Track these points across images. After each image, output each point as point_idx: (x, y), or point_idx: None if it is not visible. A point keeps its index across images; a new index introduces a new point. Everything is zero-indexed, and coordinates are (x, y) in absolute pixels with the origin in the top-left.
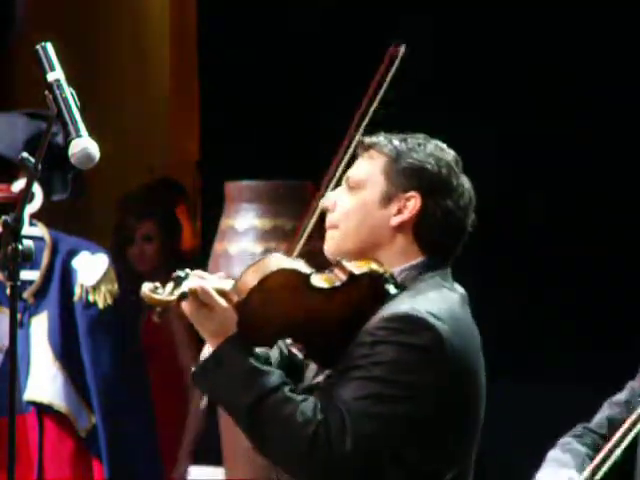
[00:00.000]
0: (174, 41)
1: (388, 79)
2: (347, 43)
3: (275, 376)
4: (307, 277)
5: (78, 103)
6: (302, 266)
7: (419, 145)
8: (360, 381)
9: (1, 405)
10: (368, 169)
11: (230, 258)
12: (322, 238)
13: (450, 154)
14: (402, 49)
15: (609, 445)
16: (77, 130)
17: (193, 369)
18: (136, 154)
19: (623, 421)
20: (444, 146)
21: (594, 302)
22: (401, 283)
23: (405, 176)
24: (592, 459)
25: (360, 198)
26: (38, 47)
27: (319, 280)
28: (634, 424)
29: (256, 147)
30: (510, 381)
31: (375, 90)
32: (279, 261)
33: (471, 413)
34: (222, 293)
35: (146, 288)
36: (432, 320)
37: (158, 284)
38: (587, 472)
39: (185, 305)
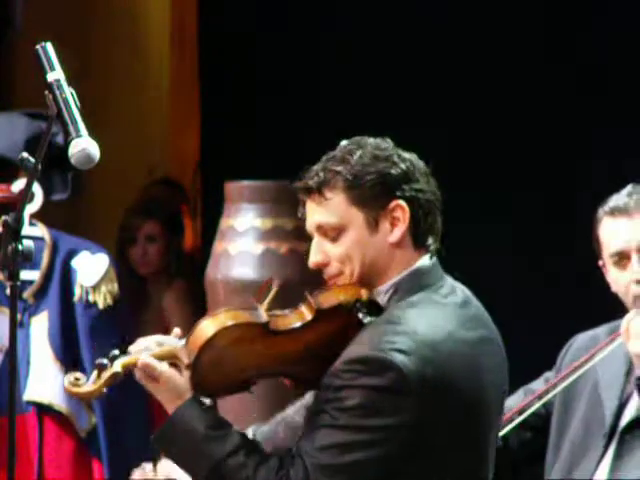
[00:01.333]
0: (174, 41)
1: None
2: (352, 42)
3: (230, 441)
4: (264, 325)
5: (78, 103)
6: (258, 315)
7: (361, 157)
8: (326, 429)
9: (1, 405)
10: (335, 210)
11: (230, 258)
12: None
13: (386, 142)
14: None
15: (507, 416)
16: (77, 130)
17: (152, 436)
18: (136, 154)
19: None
20: (376, 140)
21: None
22: (389, 299)
23: (375, 194)
24: None
25: (349, 240)
26: (38, 47)
27: (281, 323)
28: (535, 402)
29: (256, 147)
30: None
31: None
32: (231, 316)
33: (469, 435)
34: (171, 356)
35: (66, 381)
36: (396, 358)
37: (79, 374)
38: None
39: (136, 376)
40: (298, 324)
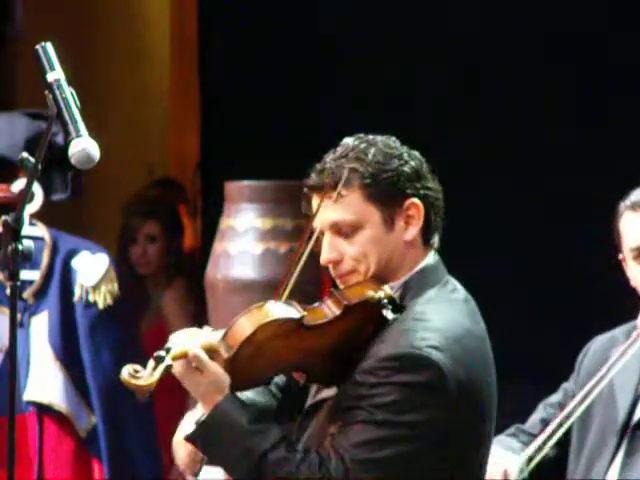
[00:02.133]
0: (174, 41)
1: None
2: (348, 43)
3: (271, 434)
4: (299, 321)
5: (78, 103)
6: (293, 311)
7: (375, 154)
8: (361, 425)
9: (1, 405)
10: (352, 208)
11: (230, 258)
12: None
13: (394, 139)
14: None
15: (541, 437)
16: (77, 130)
17: (188, 433)
18: (136, 154)
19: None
20: (382, 137)
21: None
22: (401, 298)
23: (390, 192)
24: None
25: (366, 237)
26: (38, 47)
27: (312, 318)
28: (564, 421)
29: (256, 147)
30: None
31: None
32: (269, 311)
33: (482, 432)
34: (210, 349)
35: (125, 373)
36: (434, 355)
37: (138, 366)
38: (524, 455)
39: (175, 368)
40: (327, 319)
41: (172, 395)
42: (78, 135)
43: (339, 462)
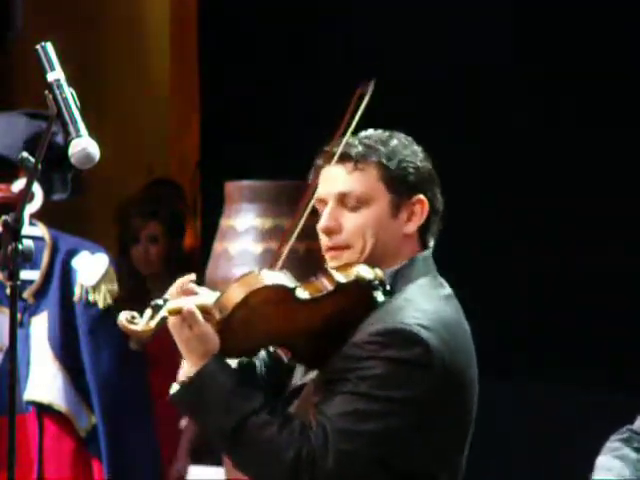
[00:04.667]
0: (174, 40)
1: (357, 116)
2: (346, 46)
3: (256, 398)
4: (292, 291)
5: (78, 103)
6: (287, 280)
7: (397, 144)
8: (346, 396)
9: (1, 405)
10: (365, 182)
11: (230, 258)
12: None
13: (411, 139)
14: (371, 86)
15: None
16: (77, 130)
17: (172, 390)
18: (136, 154)
19: None
20: (403, 135)
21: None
22: (391, 285)
23: (404, 181)
24: None
25: (370, 214)
26: (38, 47)
27: (304, 291)
28: None
29: (256, 147)
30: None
31: (344, 130)
32: (264, 277)
33: (464, 417)
34: (204, 309)
35: (123, 318)
36: (422, 333)
37: (135, 313)
38: None
39: (170, 322)
40: (320, 294)
41: None
42: (78, 135)
43: (320, 430)
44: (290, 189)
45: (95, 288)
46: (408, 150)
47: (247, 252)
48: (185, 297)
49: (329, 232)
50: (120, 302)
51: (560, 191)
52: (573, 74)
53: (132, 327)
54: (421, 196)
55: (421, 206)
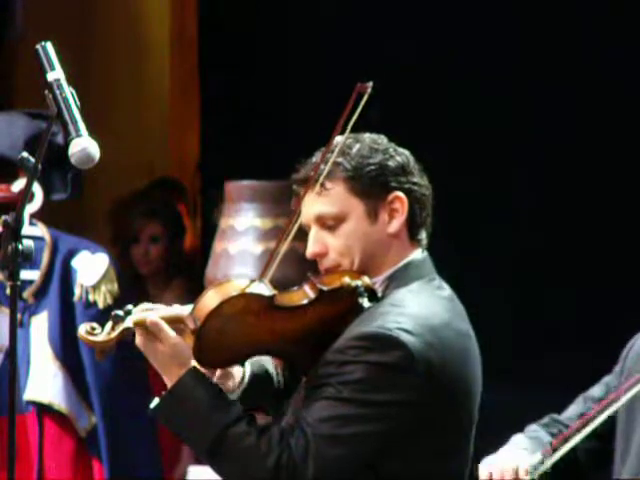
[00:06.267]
0: (174, 41)
1: (354, 116)
2: (346, 46)
3: (233, 410)
4: (270, 299)
5: (78, 103)
6: (264, 288)
7: (359, 149)
8: (327, 401)
9: (1, 405)
10: (335, 200)
11: (230, 258)
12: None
13: (382, 137)
14: (370, 86)
15: (566, 434)
16: (77, 130)
17: (152, 404)
18: (136, 154)
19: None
20: (371, 134)
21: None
22: (384, 291)
23: (374, 184)
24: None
25: (349, 229)
26: (38, 47)
27: (285, 300)
28: (594, 417)
29: (256, 147)
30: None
31: (342, 130)
32: (239, 285)
33: (458, 420)
34: (177, 320)
35: (82, 330)
36: (403, 337)
37: (95, 324)
38: (537, 457)
39: (136, 337)
40: (302, 302)
41: None
42: (78, 135)
43: (301, 436)
44: (290, 189)
45: (95, 288)
46: (372, 151)
47: (247, 252)
48: (151, 309)
49: (316, 257)
50: (120, 302)
51: None
52: None
53: (92, 338)
54: (397, 192)
55: (399, 202)
